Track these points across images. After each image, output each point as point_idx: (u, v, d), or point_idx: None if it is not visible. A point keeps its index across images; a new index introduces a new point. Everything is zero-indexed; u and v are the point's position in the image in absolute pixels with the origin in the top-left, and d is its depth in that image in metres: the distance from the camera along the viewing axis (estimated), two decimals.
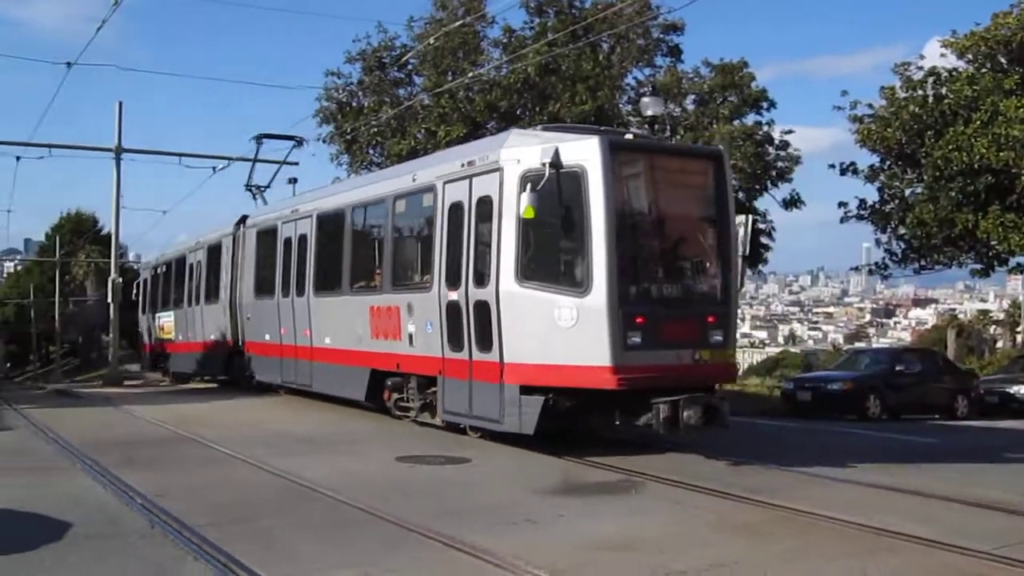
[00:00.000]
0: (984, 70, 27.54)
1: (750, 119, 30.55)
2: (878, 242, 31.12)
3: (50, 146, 29.47)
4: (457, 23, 26.72)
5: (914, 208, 28.20)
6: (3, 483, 10.18)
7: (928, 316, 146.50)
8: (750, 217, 23.65)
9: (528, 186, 11.72)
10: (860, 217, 30.58)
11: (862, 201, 30.46)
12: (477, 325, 12.71)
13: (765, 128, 30.30)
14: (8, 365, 77.99)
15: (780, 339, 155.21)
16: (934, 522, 8.50)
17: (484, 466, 11.69)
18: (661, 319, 11.90)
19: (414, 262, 15.14)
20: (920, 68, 28.41)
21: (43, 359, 72.18)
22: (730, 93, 30.52)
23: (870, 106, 28.90)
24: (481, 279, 12.70)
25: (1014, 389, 24.11)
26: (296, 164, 30.42)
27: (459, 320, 13.06)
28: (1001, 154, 25.05)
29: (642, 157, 12.97)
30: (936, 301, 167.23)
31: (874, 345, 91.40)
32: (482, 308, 12.59)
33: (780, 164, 30.37)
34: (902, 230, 29.79)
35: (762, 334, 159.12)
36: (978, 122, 25.61)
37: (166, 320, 29.86)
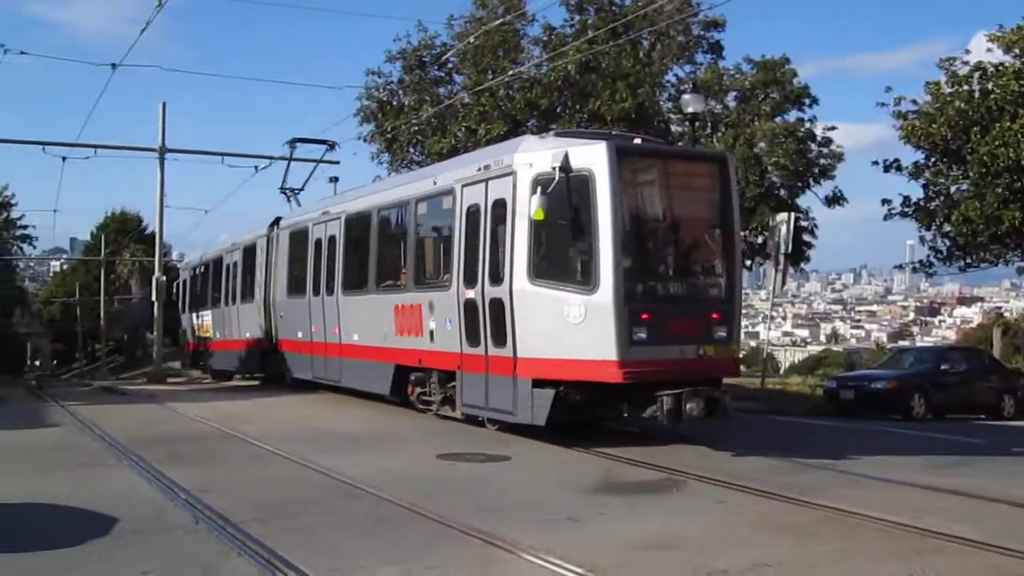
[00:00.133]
0: None
1: (792, 116, 30.26)
2: (922, 239, 30.69)
3: (96, 146, 29.88)
4: (497, 21, 26.69)
5: (959, 205, 27.76)
6: (52, 479, 10.35)
7: (973, 314, 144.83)
8: (792, 215, 23.70)
9: (539, 189, 12.26)
10: (904, 214, 30.16)
11: (906, 198, 30.04)
12: (492, 321, 13.27)
13: (807, 125, 30.00)
14: (55, 362, 79.23)
15: (822, 337, 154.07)
16: (981, 523, 8.37)
17: (525, 464, 11.69)
18: (666, 316, 12.41)
19: (435, 262, 15.74)
20: (966, 63, 27.95)
21: (89, 357, 73.09)
22: (772, 90, 30.25)
23: (914, 102, 28.50)
24: (496, 277, 13.24)
25: None
26: (337, 163, 30.73)
27: (476, 317, 13.63)
28: None
29: (648, 161, 13.67)
30: (982, 299, 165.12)
31: (918, 344, 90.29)
32: (497, 305, 13.14)
33: (822, 161, 30.04)
34: (947, 227, 29.35)
35: (804, 332, 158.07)
36: None
37: (205, 319, 30.60)
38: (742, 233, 31.65)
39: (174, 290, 34.47)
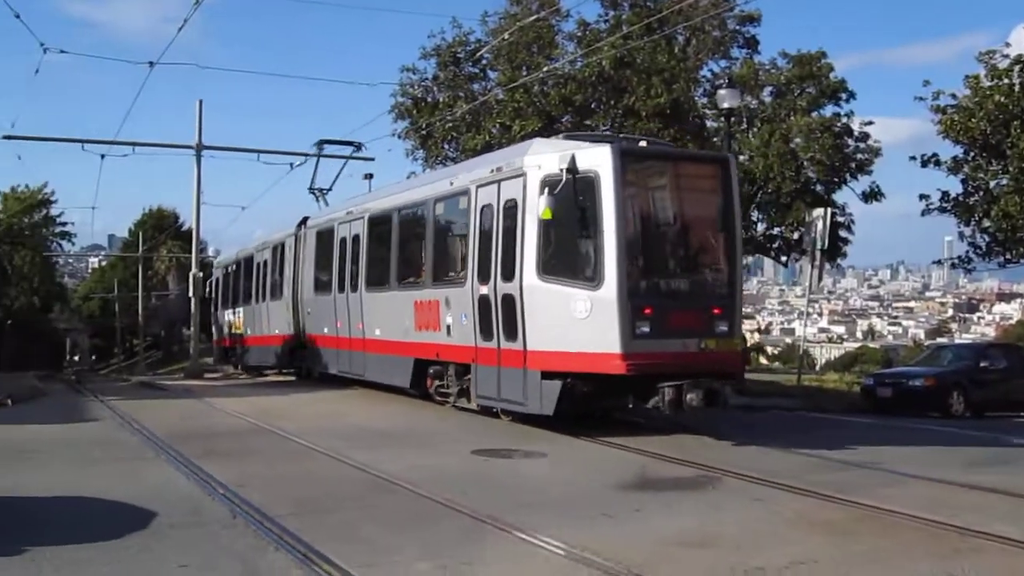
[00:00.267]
0: None
1: (828, 110, 30.02)
2: (961, 235, 30.29)
3: (134, 144, 30.20)
4: (532, 17, 26.69)
5: (999, 200, 27.39)
6: (92, 472, 10.49)
7: (1013, 311, 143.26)
8: (828, 210, 23.53)
9: (547, 190, 12.89)
10: (943, 210, 29.79)
11: (945, 193, 29.66)
12: (504, 316, 13.89)
13: (844, 120, 29.75)
14: (93, 358, 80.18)
15: (859, 334, 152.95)
16: (1021, 521, 8.25)
17: (560, 460, 11.71)
18: (668, 310, 12.91)
19: (451, 259, 16.32)
20: (1006, 56, 27.53)
21: (127, 352, 73.94)
22: (808, 84, 30.01)
23: (953, 96, 28.11)
24: (508, 274, 13.85)
25: None
26: (371, 159, 30.95)
27: (489, 312, 14.25)
28: None
29: (652, 163, 14.32)
30: (1021, 295, 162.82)
31: (957, 341, 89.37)
32: (508, 301, 13.78)
33: (859, 156, 29.78)
34: (986, 223, 28.95)
35: (840, 329, 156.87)
36: None
37: (237, 316, 31.44)
38: (778, 229, 31.73)
39: (207, 288, 34.90)
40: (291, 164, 30.62)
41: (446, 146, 29.14)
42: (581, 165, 12.79)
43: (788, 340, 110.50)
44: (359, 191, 26.72)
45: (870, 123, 30.10)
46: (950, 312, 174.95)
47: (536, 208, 13.17)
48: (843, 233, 30.99)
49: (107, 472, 10.56)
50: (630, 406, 13.79)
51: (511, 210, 13.95)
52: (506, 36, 26.41)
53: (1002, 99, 26.41)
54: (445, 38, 28.98)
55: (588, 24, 28.29)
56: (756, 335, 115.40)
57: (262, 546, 7.27)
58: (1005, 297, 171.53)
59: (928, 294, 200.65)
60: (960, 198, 29.23)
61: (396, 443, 13.12)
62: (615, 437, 13.05)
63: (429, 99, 29.59)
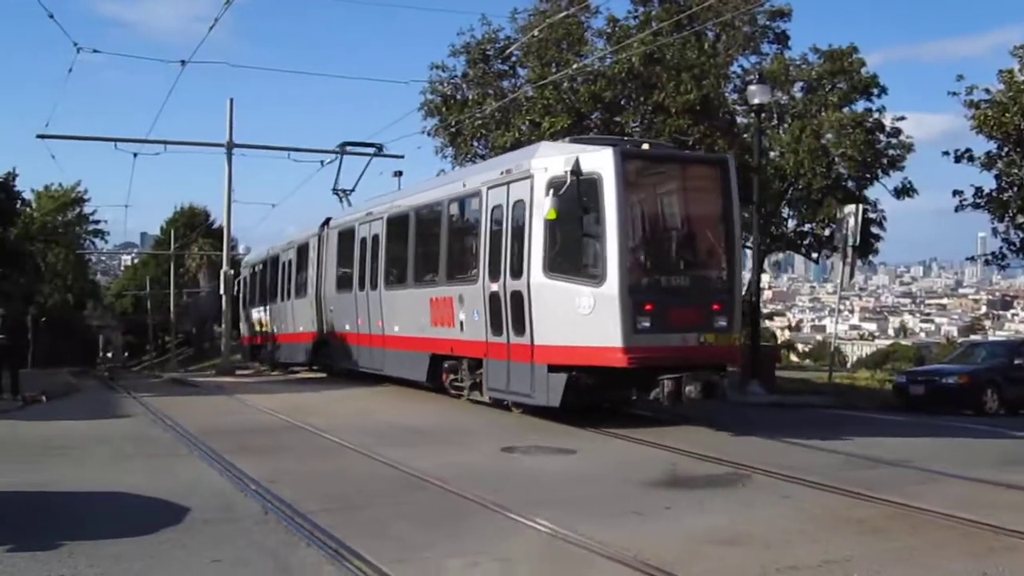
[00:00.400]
0: None
1: (860, 106, 29.81)
2: (995, 231, 30.01)
3: (166, 142, 30.43)
4: (561, 14, 26.65)
5: None
6: (126, 468, 10.60)
7: None
8: (860, 207, 23.37)
9: (552, 191, 13.39)
10: (976, 205, 29.52)
11: (978, 189, 29.39)
12: (513, 312, 14.48)
13: (875, 115, 29.53)
14: (126, 354, 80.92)
15: (890, 331, 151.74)
16: None
17: (590, 457, 11.71)
18: (668, 306, 13.39)
19: (464, 258, 16.83)
20: None
21: (159, 349, 74.58)
22: (839, 79, 29.81)
23: (987, 91, 27.84)
24: (516, 272, 14.45)
25: None
26: (401, 157, 31.17)
27: (499, 308, 14.86)
28: None
29: (653, 164, 14.77)
30: None
31: (990, 338, 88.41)
32: (517, 297, 14.38)
33: (891, 152, 29.55)
34: (1020, 219, 28.70)
35: (871, 326, 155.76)
36: None
37: (263, 314, 32.24)
38: (808, 226, 31.56)
39: (236, 287, 35.34)
40: (321, 162, 30.88)
41: (475, 143, 29.15)
42: (585, 167, 13.25)
43: (819, 337, 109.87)
44: (389, 189, 26.89)
45: (902, 118, 29.86)
46: (983, 309, 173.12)
47: (543, 208, 13.66)
48: (875, 229, 30.76)
49: (140, 468, 10.67)
50: (633, 398, 14.34)
51: (519, 210, 14.57)
52: (536, 33, 26.39)
53: None
54: (475, 35, 29.01)
55: (618, 20, 28.19)
56: (786, 332, 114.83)
57: (294, 542, 7.33)
58: None
59: (961, 291, 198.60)
60: (994, 194, 28.97)
61: (426, 440, 13.18)
62: (624, 429, 13.53)
63: (458, 96, 29.60)
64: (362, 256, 21.23)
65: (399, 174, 32.66)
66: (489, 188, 15.57)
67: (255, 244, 48.27)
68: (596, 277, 13.32)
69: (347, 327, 22.21)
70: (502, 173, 15.34)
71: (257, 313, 33.43)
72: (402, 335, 18.88)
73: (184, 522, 7.88)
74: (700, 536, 7.61)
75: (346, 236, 22.61)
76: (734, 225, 14.45)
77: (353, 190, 28.22)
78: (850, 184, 29.57)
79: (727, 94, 30.00)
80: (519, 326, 14.33)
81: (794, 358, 58.49)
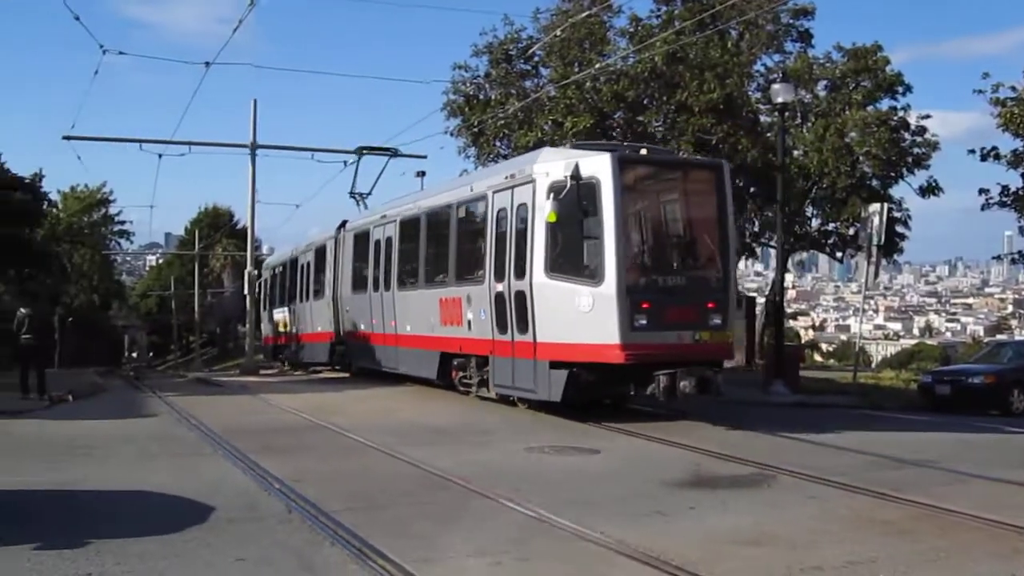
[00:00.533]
0: None
1: (884, 104, 29.69)
2: (1021, 230, 29.83)
3: (190, 143, 30.67)
4: (584, 14, 26.62)
5: None
6: (152, 467, 10.67)
7: None
8: (884, 205, 23.22)
9: (553, 194, 14.07)
10: (1003, 204, 29.32)
11: (1004, 187, 29.20)
12: (517, 311, 15.03)
13: (900, 113, 29.40)
14: (150, 354, 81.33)
15: (915, 331, 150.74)
16: None
17: (613, 457, 11.68)
18: (664, 305, 13.90)
19: (472, 259, 17.31)
20: None
21: (183, 349, 74.90)
22: (863, 78, 29.68)
23: (1013, 88, 27.65)
24: (520, 272, 15.00)
25: None
26: (424, 157, 31.24)
27: (504, 307, 15.40)
28: None
29: (649, 169, 15.48)
30: None
31: (1017, 337, 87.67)
32: (520, 297, 14.94)
33: (916, 150, 29.42)
34: None
35: (896, 326, 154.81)
36: None
37: (283, 315, 33.02)
38: (833, 225, 31.44)
39: (256, 289, 35.69)
40: (344, 162, 30.96)
41: (498, 143, 29.20)
42: (584, 172, 13.87)
43: (843, 337, 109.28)
44: (412, 189, 27.00)
45: (927, 117, 29.74)
46: (1010, 308, 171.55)
47: (544, 211, 14.30)
48: (900, 229, 30.65)
49: (165, 467, 10.74)
50: (632, 393, 14.75)
51: (522, 213, 15.15)
52: (558, 33, 26.39)
53: None
54: (497, 35, 29.07)
55: (640, 20, 28.20)
56: (810, 332, 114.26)
57: (318, 541, 7.35)
58: None
59: (987, 290, 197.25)
60: (1020, 192, 28.74)
61: (448, 439, 13.19)
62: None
63: (481, 96, 29.67)
64: (376, 258, 21.89)
65: (422, 174, 32.74)
66: (494, 192, 16.17)
67: (279, 244, 48.58)
68: (595, 277, 13.89)
69: (362, 327, 22.85)
70: (506, 178, 15.95)
71: (278, 314, 34.08)
72: (414, 334, 19.49)
73: (209, 521, 7.92)
74: (725, 536, 7.58)
75: (361, 238, 23.28)
76: (728, 227, 15.03)
77: (370, 193, 28.77)
78: (874, 183, 29.45)
79: (750, 93, 29.94)
80: (523, 324, 14.87)
81: (818, 358, 58.22)
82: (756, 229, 34.23)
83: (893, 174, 29.56)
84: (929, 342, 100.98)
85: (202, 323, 68.85)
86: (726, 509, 8.74)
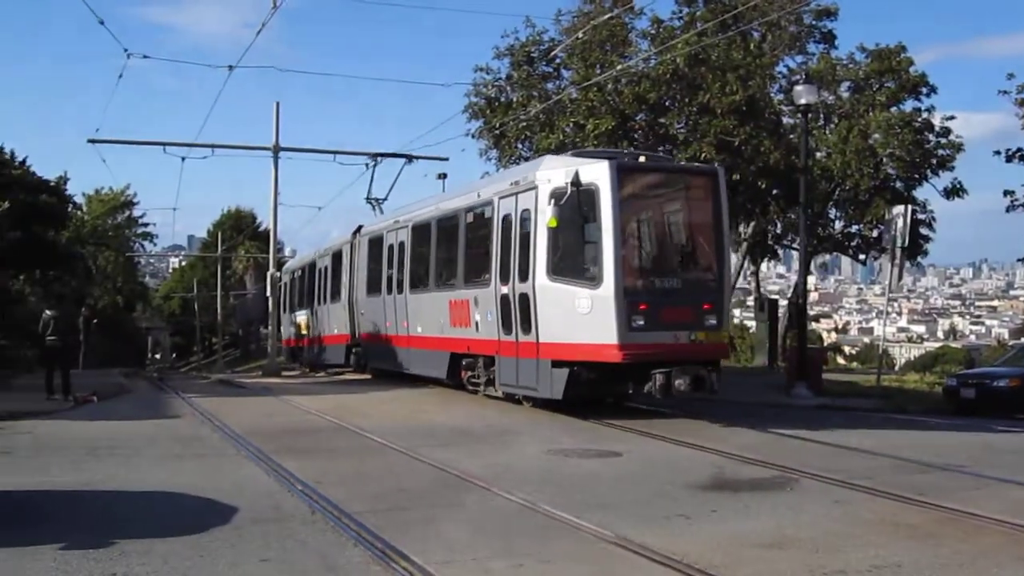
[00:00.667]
0: None
1: (908, 105, 29.52)
2: None
3: (213, 146, 30.91)
4: (605, 16, 26.60)
5: None
6: (176, 468, 10.74)
7: None
8: (908, 207, 23.08)
9: (554, 200, 14.64)
10: None
11: None
12: (521, 313, 15.61)
13: (924, 114, 29.22)
14: (173, 355, 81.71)
15: (939, 334, 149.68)
16: None
17: (635, 460, 11.66)
18: (661, 306, 14.46)
19: (479, 263, 17.79)
20: None
21: (206, 350, 75.23)
22: (887, 79, 29.54)
23: None
24: (523, 275, 15.56)
25: None
26: (445, 159, 31.47)
27: (509, 309, 15.99)
28: None
29: (647, 175, 15.99)
30: None
31: None
32: (524, 299, 15.52)
33: (941, 152, 29.22)
34: None
35: (920, 328, 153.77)
36: None
37: (302, 317, 33.63)
38: (856, 227, 31.30)
39: (277, 292, 36.09)
40: (366, 164, 31.11)
41: (520, 145, 29.19)
42: (584, 179, 14.45)
43: (866, 340, 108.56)
44: (434, 192, 27.15)
45: (952, 118, 29.54)
46: None
47: (546, 217, 14.87)
48: (924, 231, 30.48)
49: (189, 468, 10.81)
50: (630, 392, 15.21)
51: (526, 219, 15.75)
52: (580, 35, 26.37)
53: None
54: (519, 38, 29.06)
55: (662, 21, 28.15)
56: (833, 334, 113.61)
57: (341, 542, 7.38)
58: None
59: (1012, 293, 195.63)
60: None
61: (471, 441, 13.21)
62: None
63: (503, 99, 29.66)
64: (389, 262, 22.59)
65: (443, 176, 32.89)
66: (500, 198, 16.77)
67: (301, 247, 48.85)
68: (594, 280, 14.45)
69: (376, 329, 23.52)
70: (511, 184, 16.57)
71: (297, 317, 34.67)
72: (425, 335, 20.15)
73: (232, 522, 7.97)
74: (747, 540, 7.56)
75: (375, 243, 23.95)
76: (724, 231, 15.67)
77: (386, 198, 29.71)
78: (898, 185, 29.30)
79: (773, 94, 29.85)
80: (526, 325, 15.45)
81: (841, 361, 57.81)
82: (779, 231, 34.14)
83: (917, 176, 29.40)
84: (953, 345, 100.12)
85: (225, 325, 69.13)
86: (748, 512, 8.71)
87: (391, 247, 22.52)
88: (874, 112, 28.74)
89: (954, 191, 29.67)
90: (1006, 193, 29.60)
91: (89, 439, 13.15)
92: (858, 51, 30.67)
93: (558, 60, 29.03)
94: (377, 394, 20.25)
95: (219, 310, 66.84)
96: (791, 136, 28.35)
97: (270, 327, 34.96)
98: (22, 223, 26.97)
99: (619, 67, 25.86)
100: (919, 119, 28.86)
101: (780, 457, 11.49)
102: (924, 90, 29.56)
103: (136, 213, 70.63)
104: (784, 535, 7.74)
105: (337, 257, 27.90)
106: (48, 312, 19.59)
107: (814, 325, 74.37)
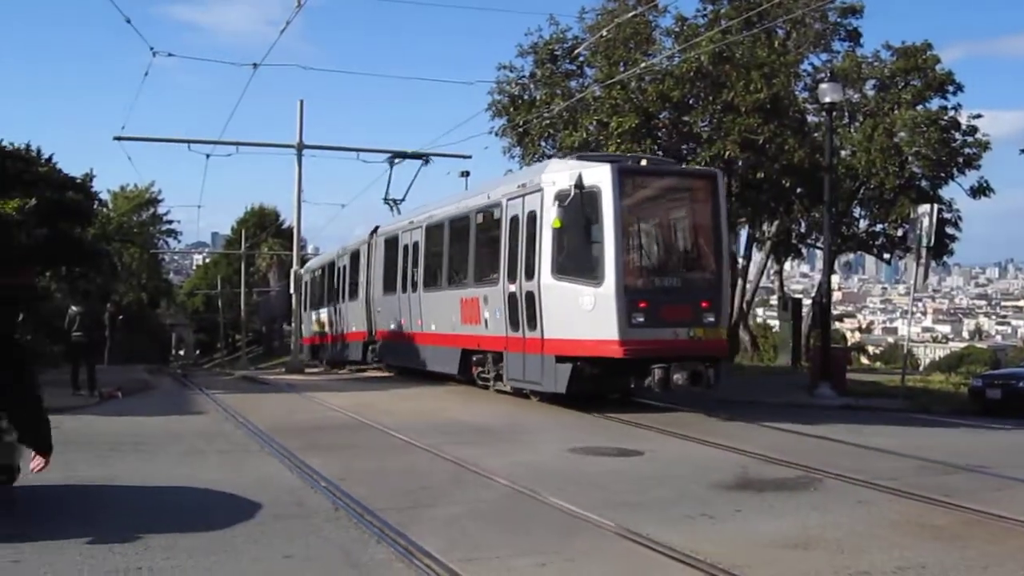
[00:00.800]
0: None
1: (935, 103, 29.34)
2: None
3: (237, 143, 31.02)
4: (629, 14, 26.53)
5: None
6: (199, 464, 10.80)
7: None
8: (934, 206, 22.92)
9: (558, 202, 15.28)
10: None
11: None
12: (527, 310, 16.20)
13: (951, 113, 29.03)
14: (197, 352, 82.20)
15: (964, 334, 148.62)
16: None
17: (658, 459, 11.63)
18: (661, 304, 15.02)
19: (488, 262, 18.45)
20: None
21: (229, 347, 75.60)
22: (913, 77, 29.39)
23: None
24: (530, 274, 16.16)
25: None
26: (468, 157, 31.54)
27: (516, 307, 16.60)
28: None
29: (648, 178, 16.54)
30: None
31: None
32: (530, 297, 16.12)
33: (967, 150, 29.04)
34: None
35: (945, 328, 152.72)
36: None
37: (321, 316, 34.40)
38: (880, 226, 31.13)
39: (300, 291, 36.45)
40: (389, 162, 31.14)
41: (543, 143, 29.16)
42: (587, 181, 15.00)
43: (890, 339, 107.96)
44: (457, 190, 27.22)
45: (978, 116, 29.35)
46: None
47: (551, 218, 15.47)
48: (950, 230, 30.30)
49: (213, 464, 10.87)
50: (632, 386, 15.59)
51: (532, 220, 16.31)
52: (604, 33, 26.30)
53: None
54: (542, 35, 29.03)
55: (686, 19, 28.05)
56: (857, 334, 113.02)
57: (364, 539, 7.40)
58: None
59: None
60: None
61: (493, 439, 13.21)
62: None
63: (526, 96, 29.64)
64: (404, 261, 23.28)
65: (466, 174, 32.94)
66: (508, 200, 17.43)
67: (324, 244, 49.07)
68: (596, 278, 15.01)
69: (392, 326, 24.22)
70: (518, 187, 17.20)
71: (317, 315, 35.36)
72: (438, 332, 20.82)
73: (256, 518, 8.01)
74: (772, 540, 7.53)
75: (391, 243, 24.67)
76: (722, 231, 16.15)
77: (403, 199, 30.12)
78: (924, 183, 29.12)
79: (798, 92, 29.71)
80: (532, 322, 16.04)
81: (864, 361, 57.55)
82: (803, 230, 33.97)
83: (943, 174, 29.23)
84: (979, 345, 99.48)
85: (248, 322, 69.44)
86: (773, 512, 8.68)
87: (406, 247, 23.17)
88: (900, 110, 28.60)
89: (980, 190, 29.48)
90: None
91: (114, 434, 13.24)
92: (884, 49, 30.57)
93: (581, 58, 28.97)
94: (398, 391, 20.30)
95: (242, 307, 67.14)
96: (816, 134, 28.20)
97: (293, 324, 35.15)
98: (48, 220, 27.08)
99: (643, 65, 25.77)
100: (945, 117, 28.70)
101: (804, 457, 11.44)
102: (950, 88, 29.40)
103: (161, 210, 71.05)
104: (809, 535, 7.70)
105: (355, 257, 28.55)
106: (74, 308, 19.73)
107: (838, 325, 74.08)
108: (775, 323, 44.63)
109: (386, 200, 30.48)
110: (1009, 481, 10.61)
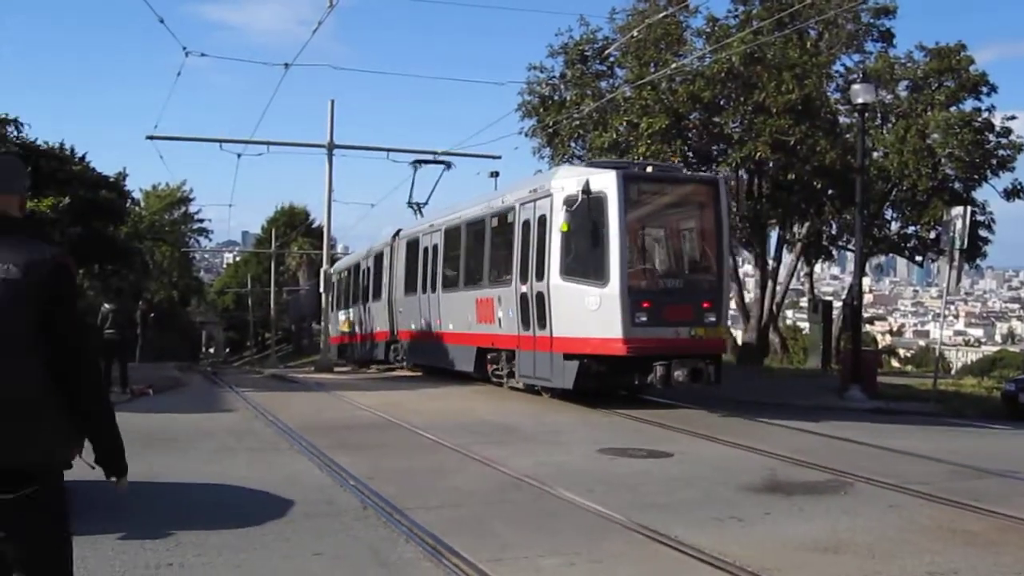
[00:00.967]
0: None
1: (968, 105, 29.07)
2: None
3: (268, 143, 31.27)
4: (660, 14, 26.48)
5: None
6: (230, 461, 10.87)
7: None
8: (967, 209, 22.69)
9: (566, 207, 15.90)
10: None
11: None
12: (537, 310, 16.89)
13: (985, 114, 28.75)
14: (227, 350, 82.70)
15: (997, 337, 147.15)
16: None
17: (687, 461, 11.59)
18: (663, 304, 15.64)
19: (502, 264, 19.11)
20: None
21: (259, 345, 75.97)
22: (946, 78, 29.14)
23: None
24: (540, 275, 16.83)
25: None
26: (498, 158, 31.49)
27: (527, 306, 17.27)
28: None
29: (652, 184, 17.10)
30: None
31: None
32: (540, 297, 16.80)
33: (1001, 152, 28.74)
34: None
35: (978, 332, 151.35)
36: None
37: (347, 316, 35.08)
38: (913, 228, 30.89)
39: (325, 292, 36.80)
40: (420, 161, 31.21)
41: (573, 144, 29.19)
42: (593, 187, 15.63)
43: (921, 343, 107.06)
44: (487, 190, 27.24)
45: (1013, 118, 29.07)
46: None
47: (560, 222, 16.10)
48: (983, 232, 30.02)
49: (244, 461, 10.94)
50: (636, 383, 16.35)
51: (542, 223, 16.97)
52: (634, 33, 26.27)
53: None
54: (573, 36, 29.06)
55: (717, 20, 28.02)
56: (888, 337, 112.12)
57: (393, 537, 7.43)
58: None
59: None
60: None
61: (521, 439, 13.21)
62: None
63: (556, 97, 29.66)
64: (424, 263, 23.92)
65: (495, 175, 32.96)
66: (521, 204, 18.08)
67: (353, 243, 49.24)
68: (602, 279, 15.58)
69: (413, 326, 24.93)
70: (530, 192, 17.86)
71: (343, 315, 35.95)
72: (455, 332, 21.54)
73: (287, 515, 8.06)
74: (802, 543, 7.49)
75: (412, 245, 25.35)
76: (724, 235, 16.85)
77: (426, 203, 30.49)
78: (957, 185, 28.87)
79: (829, 93, 29.56)
80: (542, 321, 16.68)
81: (895, 364, 57.09)
82: (834, 232, 33.75)
83: (976, 176, 28.95)
84: (1012, 349, 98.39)
85: (278, 320, 69.78)
86: (802, 515, 8.62)
87: (426, 249, 23.88)
88: (933, 112, 28.36)
89: (1014, 192, 29.20)
90: None
91: (145, 431, 13.29)
92: (916, 50, 30.32)
93: (612, 58, 28.99)
94: (426, 391, 20.33)
95: (272, 305, 67.50)
96: (847, 136, 28.05)
97: (323, 323, 35.48)
98: (82, 218, 27.40)
99: (673, 65, 25.73)
100: (979, 119, 28.43)
101: (834, 460, 11.36)
102: (984, 89, 29.13)
103: (192, 209, 71.53)
104: (839, 539, 7.65)
105: (379, 258, 29.12)
106: (107, 306, 19.92)
107: (869, 327, 73.46)
108: (805, 325, 44.37)
109: (409, 204, 30.96)
110: None
